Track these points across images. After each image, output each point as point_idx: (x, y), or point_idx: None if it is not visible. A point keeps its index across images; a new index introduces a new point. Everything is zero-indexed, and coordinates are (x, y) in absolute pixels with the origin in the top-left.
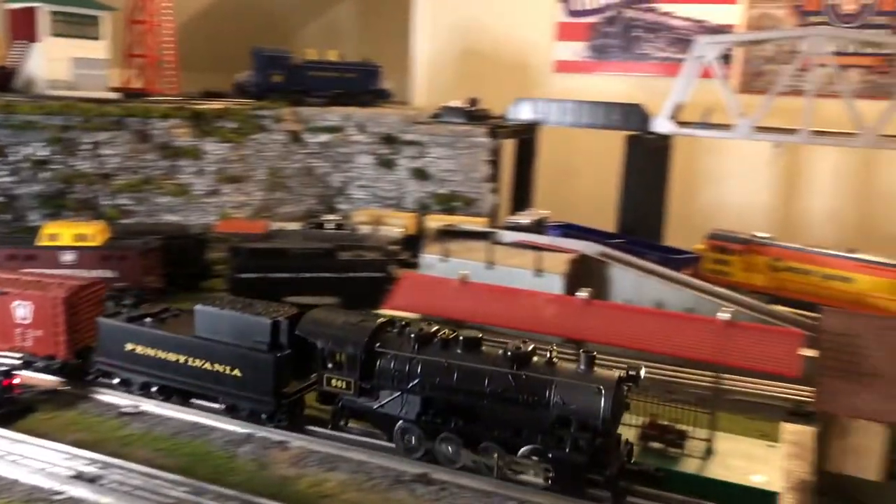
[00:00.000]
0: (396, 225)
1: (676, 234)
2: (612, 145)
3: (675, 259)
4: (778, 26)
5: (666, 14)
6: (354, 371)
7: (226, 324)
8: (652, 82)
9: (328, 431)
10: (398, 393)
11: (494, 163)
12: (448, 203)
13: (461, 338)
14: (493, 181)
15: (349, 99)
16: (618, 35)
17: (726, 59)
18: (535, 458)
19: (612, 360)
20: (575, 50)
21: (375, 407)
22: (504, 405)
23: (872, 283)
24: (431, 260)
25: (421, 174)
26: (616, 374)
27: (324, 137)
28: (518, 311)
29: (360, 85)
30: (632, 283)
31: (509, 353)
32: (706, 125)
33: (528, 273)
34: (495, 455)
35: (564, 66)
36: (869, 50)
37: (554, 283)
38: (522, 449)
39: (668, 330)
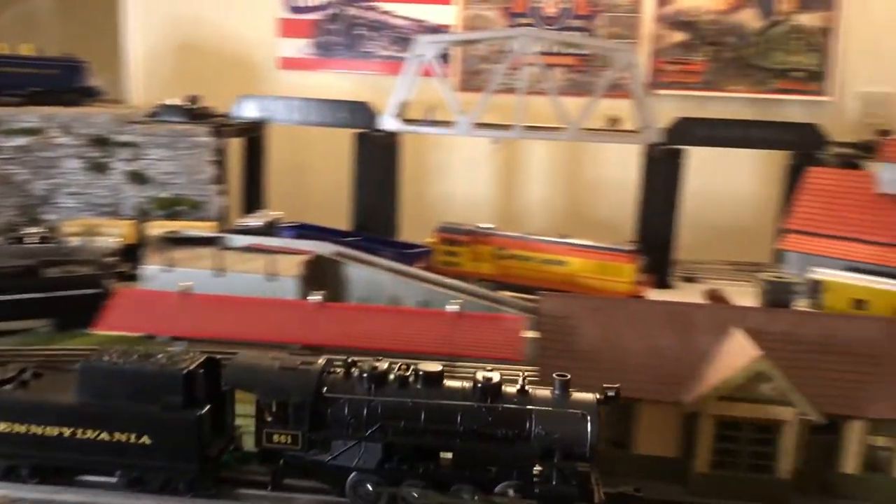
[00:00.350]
0: (113, 234)
1: (410, 229)
2: (343, 143)
3: (408, 254)
4: (490, 27)
5: (387, 13)
6: (302, 423)
7: (122, 382)
8: (377, 80)
9: (269, 493)
10: (354, 442)
11: (220, 163)
12: (171, 208)
13: (420, 373)
14: (219, 183)
15: (50, 98)
16: (341, 33)
17: (445, 58)
18: (513, 493)
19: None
20: (299, 47)
21: (328, 460)
22: (478, 442)
23: (582, 265)
24: (154, 271)
25: (139, 178)
26: (594, 395)
27: (21, 141)
28: (248, 322)
29: (62, 82)
30: (367, 281)
31: (479, 385)
32: (430, 122)
33: (259, 278)
34: (475, 497)
35: (290, 63)
36: (570, 50)
37: (288, 287)
38: (499, 486)
39: (401, 326)
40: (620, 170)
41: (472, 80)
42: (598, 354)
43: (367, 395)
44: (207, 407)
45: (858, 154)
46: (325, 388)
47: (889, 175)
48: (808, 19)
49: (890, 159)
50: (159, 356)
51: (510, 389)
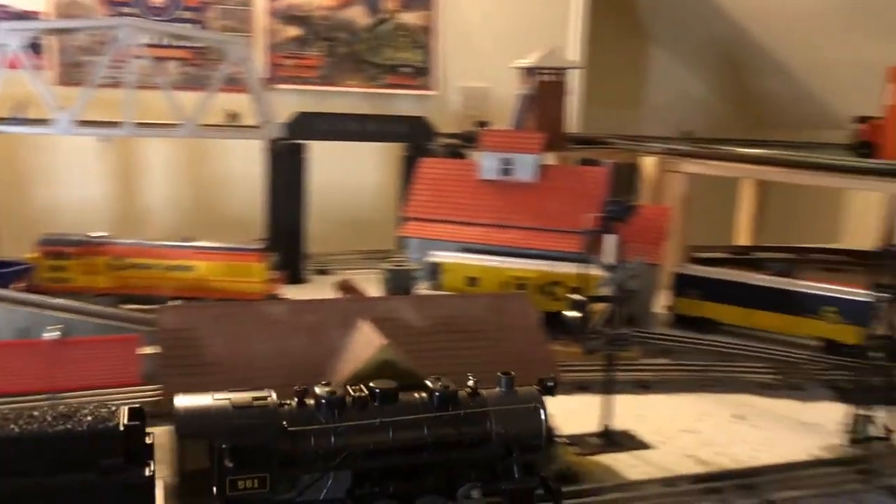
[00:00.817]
0: None
1: (11, 245)
2: None
3: (2, 273)
4: (88, 15)
5: None
6: (270, 463)
7: (35, 451)
8: None
9: None
10: (322, 474)
11: None
12: None
13: (376, 391)
14: None
15: None
16: None
17: (37, 48)
18: (477, 494)
19: None
20: None
21: (296, 498)
22: (445, 451)
23: (210, 269)
24: None
25: None
26: (533, 386)
27: None
28: None
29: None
30: None
31: (437, 394)
32: (20, 120)
33: None
34: None
35: None
36: (181, 43)
37: None
38: (461, 490)
39: None
40: (246, 166)
41: (72, 74)
42: (225, 364)
43: (332, 422)
44: (151, 465)
45: (462, 144)
46: (285, 422)
47: (487, 163)
48: (410, 17)
49: (487, 148)
50: (69, 413)
51: (463, 393)
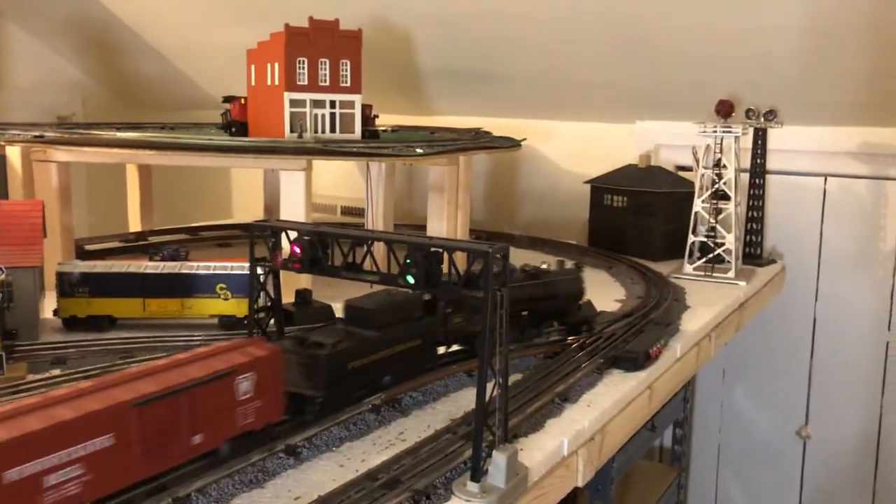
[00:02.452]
0: None
1: None
2: None
3: None
4: None
5: None
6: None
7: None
8: None
9: None
10: None
11: None
12: None
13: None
14: None
15: None
16: None
17: None
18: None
19: None
20: None
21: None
22: (539, 302)
23: None
24: None
25: None
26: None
27: None
28: None
29: None
30: None
31: (529, 271)
32: None
33: None
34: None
35: None
36: None
37: None
38: (543, 324)
39: None
40: None
41: None
42: None
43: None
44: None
45: None
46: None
47: None
48: None
49: None
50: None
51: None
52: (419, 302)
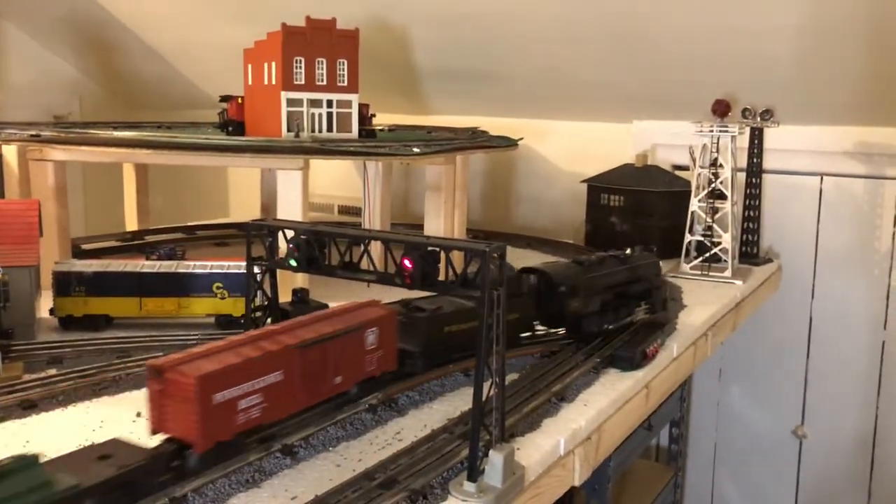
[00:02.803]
0: None
1: None
2: None
3: None
4: None
5: None
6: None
7: None
8: None
9: None
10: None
11: None
12: None
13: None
14: None
15: None
16: None
17: None
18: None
19: None
20: None
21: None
22: (627, 286)
23: None
24: None
25: None
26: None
27: None
28: None
29: None
30: None
31: (620, 257)
32: None
33: None
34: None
35: None
36: None
37: None
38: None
39: None
40: None
41: None
42: None
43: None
44: None
45: None
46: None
47: None
48: None
49: None
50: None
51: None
52: (520, 281)
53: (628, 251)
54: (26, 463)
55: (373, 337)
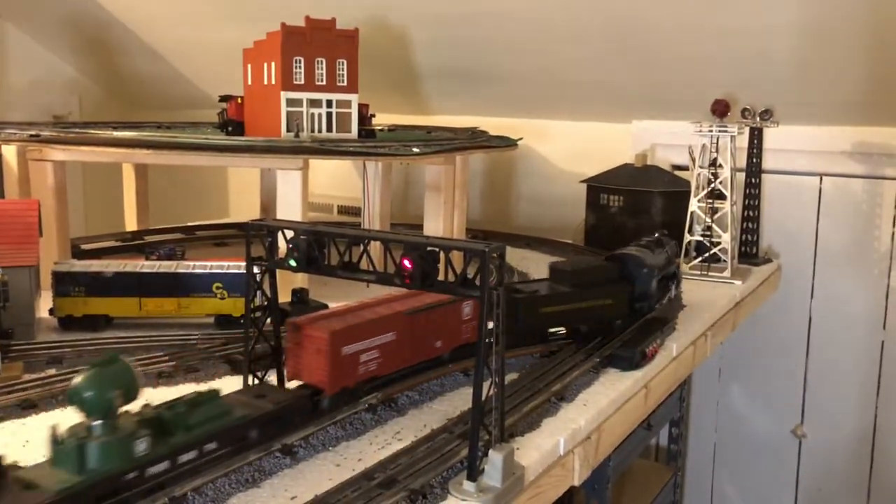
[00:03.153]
0: None
1: None
2: None
3: None
4: None
5: None
6: None
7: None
8: None
9: None
10: None
11: None
12: None
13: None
14: None
15: None
16: None
17: None
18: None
19: None
20: None
21: None
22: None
23: None
24: None
25: None
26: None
27: None
28: None
29: None
30: None
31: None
32: None
33: None
34: None
35: None
36: None
37: None
38: None
39: None
40: None
41: None
42: None
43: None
44: None
45: None
46: None
47: None
48: None
49: None
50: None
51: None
52: (615, 270)
53: (656, 235)
54: (210, 396)
55: (468, 309)
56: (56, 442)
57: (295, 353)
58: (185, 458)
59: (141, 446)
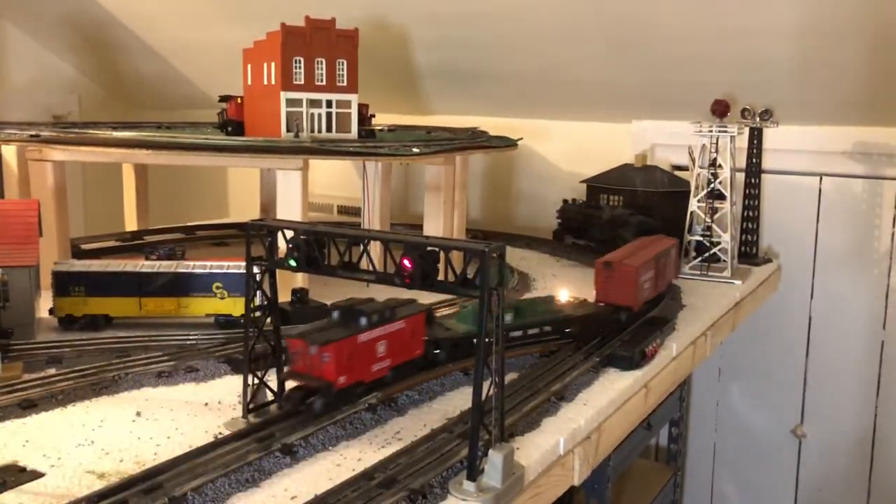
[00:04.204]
0: None
1: None
2: None
3: None
4: None
5: None
6: None
7: None
8: None
9: None
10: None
11: None
12: None
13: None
14: None
15: None
16: None
17: None
18: None
19: None
20: None
21: None
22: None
23: None
24: None
25: None
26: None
27: None
28: None
29: None
30: None
31: None
32: None
33: None
34: None
35: None
36: None
37: None
38: None
39: None
40: None
41: None
42: None
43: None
44: None
45: None
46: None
47: None
48: None
49: None
50: None
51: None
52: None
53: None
54: (545, 298)
55: (674, 252)
56: (463, 307)
57: (603, 283)
58: (531, 332)
59: (507, 318)
